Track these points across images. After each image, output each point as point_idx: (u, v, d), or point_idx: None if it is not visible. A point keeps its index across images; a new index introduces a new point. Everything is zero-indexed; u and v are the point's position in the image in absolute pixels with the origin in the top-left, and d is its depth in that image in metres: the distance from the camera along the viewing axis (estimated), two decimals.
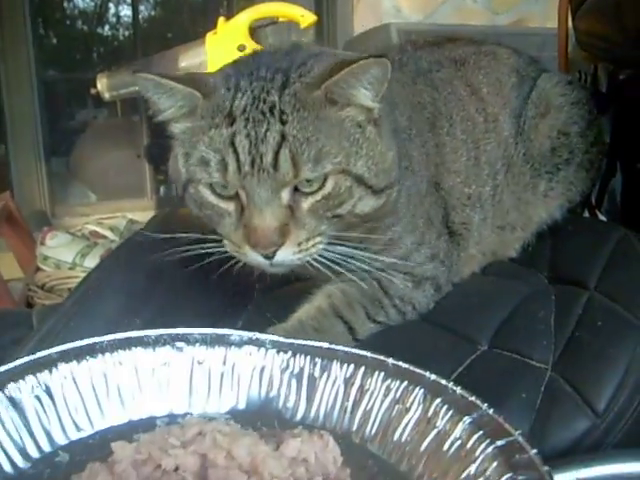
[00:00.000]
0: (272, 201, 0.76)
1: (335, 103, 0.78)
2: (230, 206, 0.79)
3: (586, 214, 1.31)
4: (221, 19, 2.35)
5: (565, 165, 1.11)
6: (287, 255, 0.78)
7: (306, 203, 0.78)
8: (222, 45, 2.30)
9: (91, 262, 2.16)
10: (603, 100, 1.18)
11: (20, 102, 3.04)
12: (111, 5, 6.20)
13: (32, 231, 2.52)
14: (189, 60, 2.36)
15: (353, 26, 3.30)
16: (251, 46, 2.21)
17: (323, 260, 0.81)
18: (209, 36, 2.34)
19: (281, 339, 0.67)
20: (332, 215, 0.79)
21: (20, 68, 3.01)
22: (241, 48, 2.26)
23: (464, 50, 1.14)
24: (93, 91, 2.46)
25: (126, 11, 5.84)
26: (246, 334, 0.67)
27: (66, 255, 2.19)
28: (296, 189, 0.77)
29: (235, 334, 0.67)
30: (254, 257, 0.78)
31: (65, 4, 6.89)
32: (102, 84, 2.41)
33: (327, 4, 3.32)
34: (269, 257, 0.78)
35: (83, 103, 4.51)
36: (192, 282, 0.93)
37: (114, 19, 6.55)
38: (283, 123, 0.76)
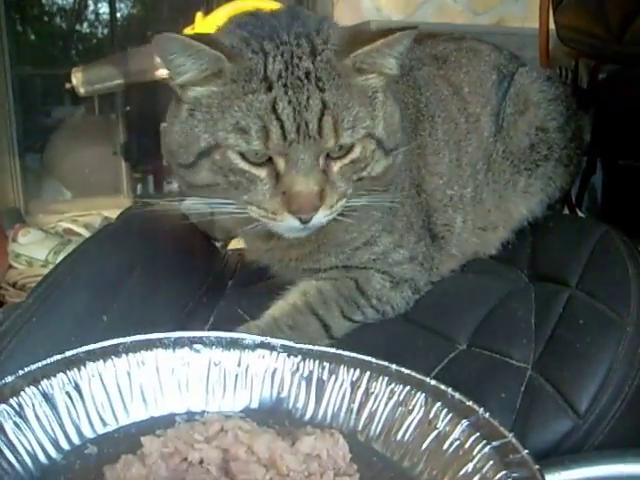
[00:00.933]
0: (314, 167, 0.77)
1: (361, 71, 0.80)
2: (262, 172, 0.78)
3: (567, 211, 1.30)
4: (199, 15, 2.32)
5: (544, 161, 1.10)
6: (321, 218, 0.79)
7: (336, 167, 0.79)
8: None
9: None
10: (584, 96, 1.16)
11: None
12: (90, 2, 6.14)
13: (5, 228, 2.47)
14: None
15: None
16: None
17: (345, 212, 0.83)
18: (187, 32, 2.31)
19: (291, 343, 0.71)
20: (357, 178, 0.81)
21: None
22: None
23: (445, 46, 1.12)
24: (68, 86, 2.42)
25: (104, 8, 5.79)
26: (259, 338, 0.71)
27: (39, 252, 2.16)
28: (327, 155, 0.78)
29: (249, 338, 0.71)
30: (290, 222, 0.78)
31: (44, 0, 6.83)
32: (77, 79, 2.37)
33: (307, 1, 3.30)
34: (306, 221, 0.78)
35: (60, 100, 4.46)
36: (161, 278, 0.90)
37: (92, 16, 6.49)
38: (321, 90, 0.76)
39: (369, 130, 0.79)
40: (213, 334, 0.70)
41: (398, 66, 0.82)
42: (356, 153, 0.79)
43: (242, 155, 0.77)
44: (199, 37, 0.79)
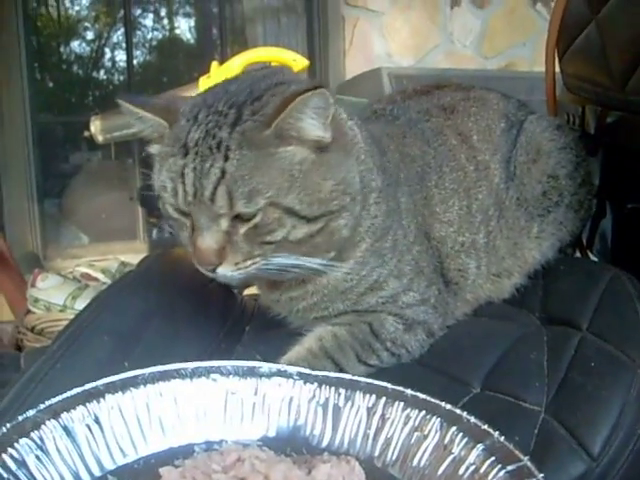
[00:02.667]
0: (211, 227, 0.82)
1: (284, 140, 0.82)
2: (188, 221, 0.85)
3: (578, 255, 1.31)
4: (214, 63, 2.38)
5: (555, 207, 1.12)
6: (226, 271, 0.84)
7: (241, 230, 0.83)
8: None
9: (82, 305, 2.14)
10: (591, 142, 1.19)
11: (14, 143, 3.05)
12: (107, 50, 6.27)
13: (23, 273, 2.51)
14: None
15: (345, 70, 3.35)
16: None
17: (272, 270, 0.86)
18: (202, 80, 2.36)
19: (308, 371, 0.72)
20: (263, 242, 0.84)
21: (15, 110, 3.03)
22: None
23: (452, 97, 1.15)
24: (86, 134, 2.47)
25: (121, 56, 5.91)
26: (275, 366, 0.73)
27: (57, 297, 2.17)
28: (236, 216, 0.82)
29: (265, 366, 0.72)
30: (202, 270, 0.85)
31: (62, 49, 6.99)
32: (95, 127, 2.42)
33: (319, 48, 3.38)
34: (212, 271, 0.84)
35: (77, 146, 4.54)
36: (180, 324, 0.93)
37: (109, 64, 6.62)
38: (225, 160, 0.80)
39: (272, 200, 0.81)
40: (230, 363, 0.72)
41: (323, 127, 0.83)
42: (257, 219, 0.82)
43: (171, 206, 0.85)
44: (151, 104, 0.88)
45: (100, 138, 2.44)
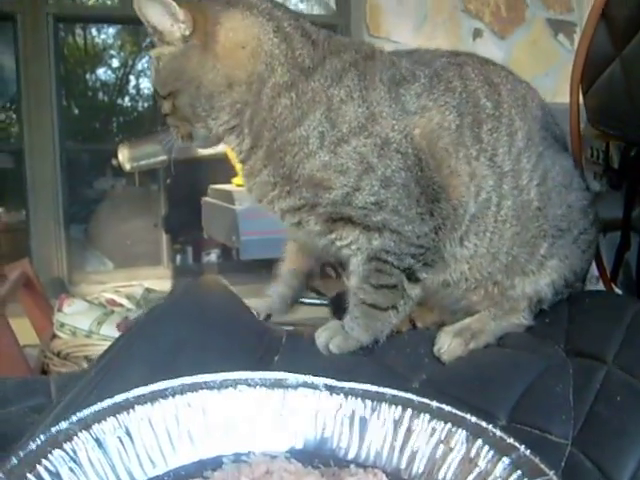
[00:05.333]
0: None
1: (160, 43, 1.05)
2: None
3: (602, 287, 1.32)
4: None
5: (564, 233, 1.11)
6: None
7: None
8: None
9: (107, 330, 2.18)
10: (616, 177, 1.20)
11: (43, 170, 3.11)
12: (132, 78, 6.37)
13: (49, 297, 2.54)
14: None
15: None
16: None
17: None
18: None
19: (334, 382, 0.73)
20: (165, 114, 1.09)
21: (44, 137, 3.09)
22: None
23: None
24: (114, 162, 2.53)
25: (146, 83, 6.00)
26: (301, 378, 0.73)
27: (83, 322, 2.21)
28: None
29: (291, 378, 0.73)
30: None
31: (87, 76, 7.10)
32: (123, 155, 2.48)
33: None
34: None
35: (102, 172, 4.61)
36: (211, 354, 0.94)
37: (134, 91, 6.72)
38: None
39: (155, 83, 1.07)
40: (257, 374, 0.73)
41: (167, 25, 1.02)
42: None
43: None
44: None
45: (128, 166, 2.49)
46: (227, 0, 1.06)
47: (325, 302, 1.41)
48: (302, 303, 1.93)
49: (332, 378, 0.95)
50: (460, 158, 1.06)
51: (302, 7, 4.20)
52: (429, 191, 1.05)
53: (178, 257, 3.64)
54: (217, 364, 0.94)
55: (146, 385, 0.84)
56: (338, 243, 1.09)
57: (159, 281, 3.17)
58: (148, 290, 2.59)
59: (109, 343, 2.07)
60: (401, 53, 1.14)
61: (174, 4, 1.00)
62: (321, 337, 1.10)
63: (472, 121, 1.07)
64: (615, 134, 1.14)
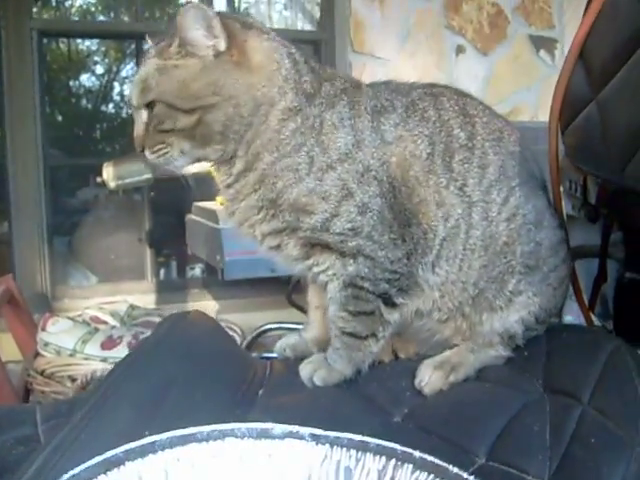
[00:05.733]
0: (137, 119, 1.08)
1: (182, 52, 1.04)
2: None
3: (581, 316, 1.35)
4: None
5: (532, 270, 1.13)
6: (150, 156, 1.06)
7: (145, 119, 1.06)
8: None
9: (92, 349, 2.19)
10: (593, 211, 1.23)
11: (26, 184, 3.09)
12: (116, 84, 6.36)
13: (32, 313, 2.54)
14: None
15: None
16: None
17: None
18: None
19: (319, 432, 0.73)
20: (162, 130, 1.04)
21: (28, 150, 3.07)
22: None
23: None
24: (99, 180, 2.54)
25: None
26: (287, 428, 0.73)
27: (67, 341, 2.22)
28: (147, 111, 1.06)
29: (277, 428, 0.73)
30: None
31: (71, 83, 7.07)
32: (108, 173, 2.48)
33: None
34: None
35: (85, 182, 4.59)
36: (198, 391, 0.96)
37: (118, 97, 6.70)
38: (143, 65, 1.07)
39: (157, 96, 1.04)
40: (244, 426, 0.73)
41: (204, 37, 1.03)
42: (155, 111, 1.05)
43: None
44: None
45: (112, 184, 2.50)
46: (242, 21, 1.09)
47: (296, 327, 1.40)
48: (273, 330, 1.96)
49: (316, 415, 0.98)
50: (430, 186, 1.09)
51: (286, 21, 4.22)
52: (401, 217, 1.08)
53: (162, 271, 3.64)
54: (203, 402, 0.96)
55: (134, 426, 0.86)
56: (315, 269, 1.11)
57: (143, 296, 3.17)
58: (132, 307, 2.60)
59: (93, 362, 2.10)
60: (379, 84, 1.18)
61: (217, 19, 1.02)
62: (305, 370, 1.12)
63: (444, 150, 1.10)
64: (591, 172, 1.17)
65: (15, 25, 3.00)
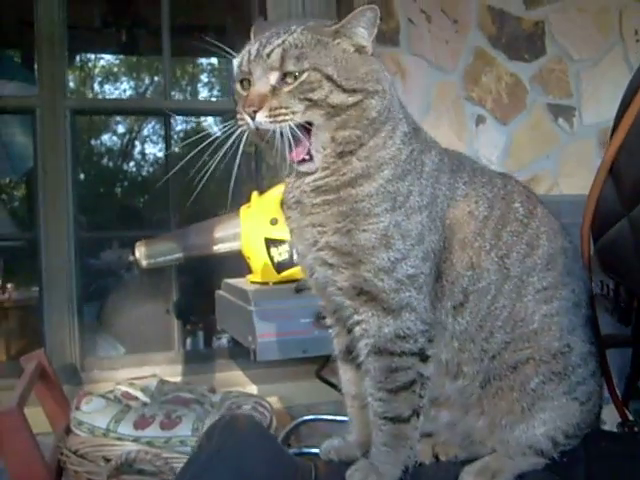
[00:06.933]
0: (262, 78, 1.07)
1: (340, 36, 1.09)
2: (246, 90, 1.10)
3: (614, 411, 1.36)
4: (254, 193, 2.51)
5: (558, 378, 1.15)
6: (262, 117, 1.05)
7: (287, 88, 1.06)
8: (255, 218, 2.45)
9: (124, 428, 2.21)
10: (625, 314, 1.26)
11: (56, 254, 3.13)
12: (137, 143, 6.53)
13: (62, 384, 2.56)
14: (224, 231, 2.51)
15: None
16: (283, 219, 2.35)
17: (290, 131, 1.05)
18: (243, 209, 2.49)
19: None
20: (305, 97, 1.05)
21: (60, 226, 3.12)
22: (273, 221, 2.40)
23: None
24: (131, 258, 2.60)
25: (151, 149, 6.16)
26: None
27: (100, 421, 2.24)
28: (285, 76, 1.06)
29: None
30: (245, 117, 1.07)
31: (92, 142, 7.27)
32: (140, 252, 2.55)
33: None
34: (252, 117, 1.06)
35: (109, 244, 4.67)
36: None
37: (139, 156, 6.87)
38: (288, 35, 1.08)
39: (315, 65, 1.06)
40: None
41: (368, 38, 1.10)
42: (303, 77, 1.05)
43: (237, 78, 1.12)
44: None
45: (144, 263, 2.56)
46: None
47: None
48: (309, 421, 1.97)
49: None
50: (474, 248, 1.14)
51: None
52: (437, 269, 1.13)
53: (189, 341, 3.68)
54: None
55: None
56: (356, 317, 1.13)
57: (170, 366, 3.20)
58: (162, 382, 2.63)
59: (126, 442, 2.12)
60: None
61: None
62: (354, 478, 1.13)
63: (499, 217, 1.16)
64: (622, 283, 1.20)
65: (50, 104, 3.10)
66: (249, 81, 1.09)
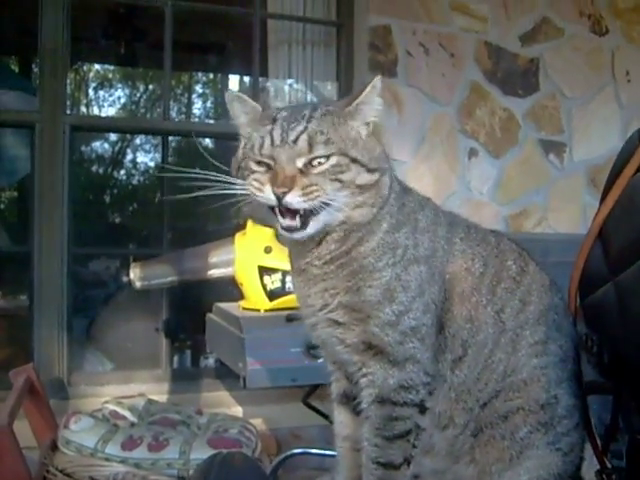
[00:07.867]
0: (289, 163, 1.09)
1: (355, 118, 1.14)
2: (264, 168, 1.12)
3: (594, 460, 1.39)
4: (250, 221, 2.55)
5: (544, 427, 1.20)
6: (294, 197, 1.07)
7: (316, 170, 1.10)
8: (250, 246, 2.49)
9: (112, 449, 2.24)
10: (606, 371, 1.30)
11: (48, 269, 3.15)
12: (128, 151, 6.56)
13: (49, 398, 2.57)
14: (219, 257, 2.55)
15: None
16: (277, 248, 2.40)
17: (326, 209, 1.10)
18: (238, 236, 2.54)
19: None
20: (336, 179, 1.10)
21: (53, 242, 3.14)
22: (267, 250, 2.45)
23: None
24: (125, 279, 2.63)
25: (142, 157, 6.17)
26: None
27: (88, 440, 2.26)
28: (310, 162, 1.10)
29: None
30: (269, 194, 1.08)
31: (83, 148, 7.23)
32: (135, 274, 2.59)
33: None
34: (279, 197, 1.07)
35: (101, 259, 4.69)
36: None
37: (130, 165, 6.89)
38: (308, 122, 1.12)
39: (341, 150, 1.10)
40: None
41: (378, 113, 1.16)
42: (332, 162, 1.10)
43: (254, 160, 1.13)
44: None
45: (138, 284, 2.60)
46: None
47: None
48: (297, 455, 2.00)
49: None
50: (471, 302, 1.20)
51: None
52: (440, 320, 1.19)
53: (176, 359, 3.70)
54: None
55: None
56: (364, 369, 1.18)
57: (157, 385, 3.22)
58: (150, 401, 2.65)
59: (113, 464, 2.14)
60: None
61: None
62: None
63: (494, 274, 1.22)
64: (605, 342, 1.24)
65: (51, 120, 3.13)
66: (268, 165, 1.12)
